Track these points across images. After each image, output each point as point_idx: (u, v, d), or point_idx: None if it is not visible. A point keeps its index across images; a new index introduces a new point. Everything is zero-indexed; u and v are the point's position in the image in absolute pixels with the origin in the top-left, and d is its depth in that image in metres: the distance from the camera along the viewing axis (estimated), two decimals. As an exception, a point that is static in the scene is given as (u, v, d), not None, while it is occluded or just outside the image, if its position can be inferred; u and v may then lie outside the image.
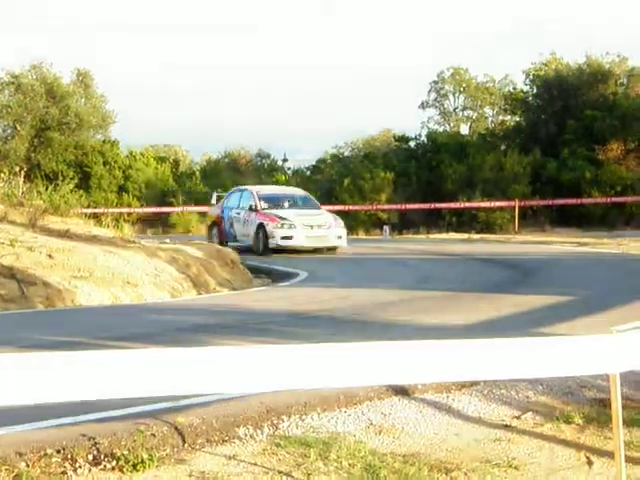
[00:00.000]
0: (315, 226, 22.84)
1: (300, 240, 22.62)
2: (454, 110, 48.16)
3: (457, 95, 48.01)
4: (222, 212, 25.10)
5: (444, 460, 5.73)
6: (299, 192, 26.12)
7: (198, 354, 3.99)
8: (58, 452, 5.26)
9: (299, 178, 40.20)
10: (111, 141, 39.99)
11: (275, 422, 6.14)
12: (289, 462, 5.48)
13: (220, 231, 24.79)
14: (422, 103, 48.04)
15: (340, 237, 23.05)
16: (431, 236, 29.69)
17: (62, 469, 5.12)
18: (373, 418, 6.45)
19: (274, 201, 24.19)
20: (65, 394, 3.68)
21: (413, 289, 14.92)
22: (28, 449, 5.23)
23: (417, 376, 4.64)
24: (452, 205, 33.50)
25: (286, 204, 24.10)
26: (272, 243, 22.80)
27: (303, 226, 22.75)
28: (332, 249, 22.94)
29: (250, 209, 23.89)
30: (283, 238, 22.65)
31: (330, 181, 36.69)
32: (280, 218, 23.02)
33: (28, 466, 5.08)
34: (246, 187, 26.23)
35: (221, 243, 23.66)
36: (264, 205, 23.84)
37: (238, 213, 24.36)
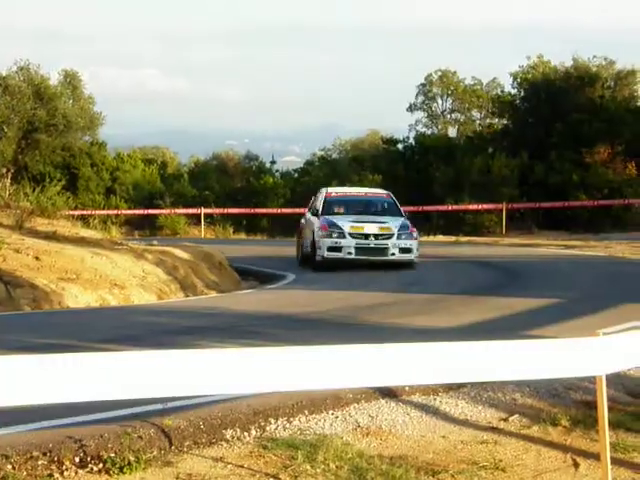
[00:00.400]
0: (371, 235, 18.74)
1: (349, 252, 18.64)
2: (442, 113, 48.21)
3: (445, 98, 48.07)
4: (304, 218, 21.43)
5: (431, 462, 5.74)
6: (380, 194, 21.46)
7: (185, 356, 3.99)
8: (44, 454, 5.24)
9: (287, 180, 40.15)
10: (99, 143, 39.87)
11: (262, 424, 6.13)
12: (276, 464, 5.48)
13: (301, 240, 21.01)
14: (410, 105, 48.06)
15: (406, 250, 18.81)
16: (419, 238, 29.67)
17: (48, 472, 5.10)
18: (360, 420, 6.46)
19: (344, 204, 20.29)
20: (39, 396, 3.67)
21: (400, 292, 14.95)
22: (14, 451, 5.22)
23: (404, 378, 4.64)
24: (440, 207, 33.52)
25: (356, 208, 20.10)
26: (318, 255, 18.89)
27: (355, 235, 18.77)
28: (395, 264, 18.72)
29: (314, 214, 20.08)
30: (330, 249, 18.72)
31: (318, 183, 36.64)
32: (330, 225, 19.03)
33: (14, 469, 5.07)
34: (324, 188, 21.99)
35: (304, 256, 20.25)
36: (331, 209, 19.91)
37: (309, 219, 20.53)
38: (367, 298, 14.08)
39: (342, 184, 30.74)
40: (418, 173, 36.92)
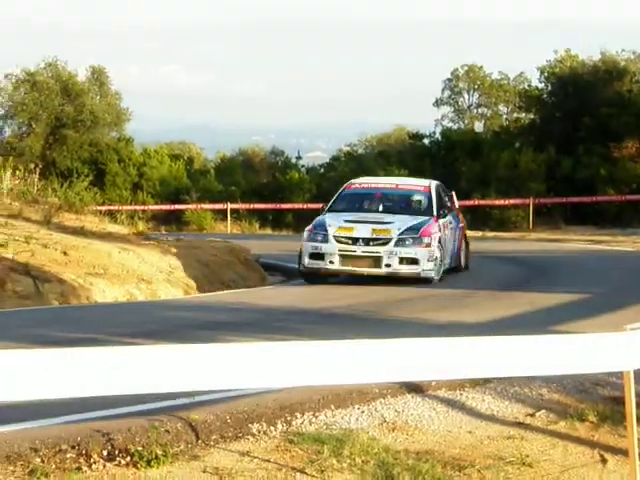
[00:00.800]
0: (360, 240, 14.60)
1: (331, 260, 14.64)
2: (468, 107, 48.01)
3: (471, 92, 47.87)
4: None
5: (457, 457, 5.73)
6: (415, 186, 16.60)
7: (212, 351, 4.00)
8: (73, 448, 5.28)
9: (313, 176, 40.15)
10: (125, 138, 40.08)
11: (288, 419, 6.14)
12: (302, 458, 5.49)
13: None
14: (436, 100, 47.89)
15: (409, 261, 14.60)
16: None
17: (77, 465, 5.14)
18: (386, 415, 6.45)
19: (363, 198, 16.24)
20: (64, 390, 3.70)
21: (426, 287, 14.87)
22: (43, 445, 5.26)
23: (430, 373, 4.64)
24: (466, 202, 33.27)
25: (377, 204, 15.96)
26: (301, 264, 15.20)
27: (340, 239, 14.75)
28: (396, 277, 14.60)
29: (322, 210, 16.41)
30: (312, 256, 14.86)
31: (344, 178, 36.61)
32: (317, 225, 15.19)
33: (43, 462, 5.11)
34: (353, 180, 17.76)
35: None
36: (343, 205, 16.05)
37: None
38: (392, 293, 14.03)
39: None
40: (444, 168, 36.76)
